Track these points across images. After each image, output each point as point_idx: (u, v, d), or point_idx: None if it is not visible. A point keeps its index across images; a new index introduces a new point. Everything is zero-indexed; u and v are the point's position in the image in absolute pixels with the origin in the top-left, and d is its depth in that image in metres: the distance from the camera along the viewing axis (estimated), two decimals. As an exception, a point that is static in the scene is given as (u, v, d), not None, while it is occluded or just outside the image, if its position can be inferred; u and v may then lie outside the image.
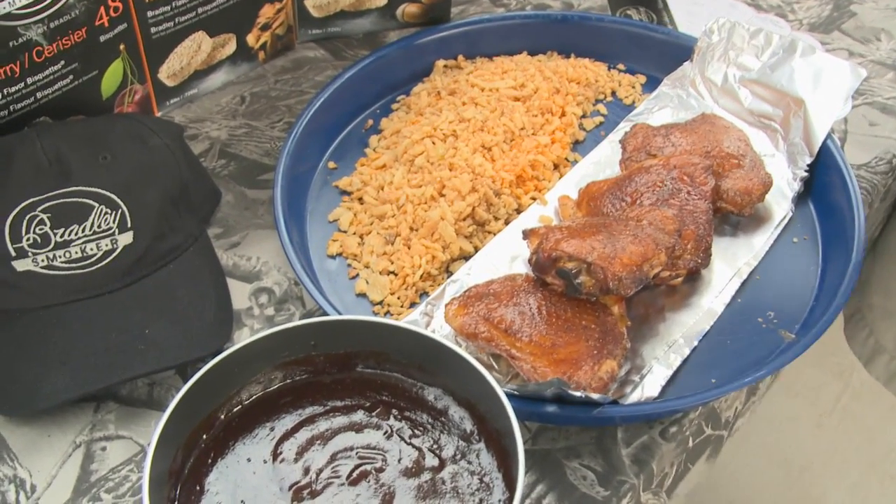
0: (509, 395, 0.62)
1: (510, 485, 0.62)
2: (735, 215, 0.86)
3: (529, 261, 0.77)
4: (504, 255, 0.83)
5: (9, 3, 0.80)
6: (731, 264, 0.84)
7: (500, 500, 0.63)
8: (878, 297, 1.09)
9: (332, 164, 0.93)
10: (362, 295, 0.81)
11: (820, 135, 0.89)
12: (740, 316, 0.81)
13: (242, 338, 0.79)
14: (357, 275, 0.83)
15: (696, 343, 0.78)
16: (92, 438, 0.74)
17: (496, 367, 0.75)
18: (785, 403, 1.73)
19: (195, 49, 0.98)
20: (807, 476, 1.64)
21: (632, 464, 0.73)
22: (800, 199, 0.89)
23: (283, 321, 0.80)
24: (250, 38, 1.02)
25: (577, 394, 0.68)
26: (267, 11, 1.01)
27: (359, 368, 0.70)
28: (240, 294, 0.83)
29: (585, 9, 1.13)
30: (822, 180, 0.89)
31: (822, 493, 1.61)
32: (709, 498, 1.59)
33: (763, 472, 1.64)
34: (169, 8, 0.92)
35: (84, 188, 0.79)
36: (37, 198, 0.79)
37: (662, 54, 1.01)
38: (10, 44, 0.82)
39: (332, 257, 0.85)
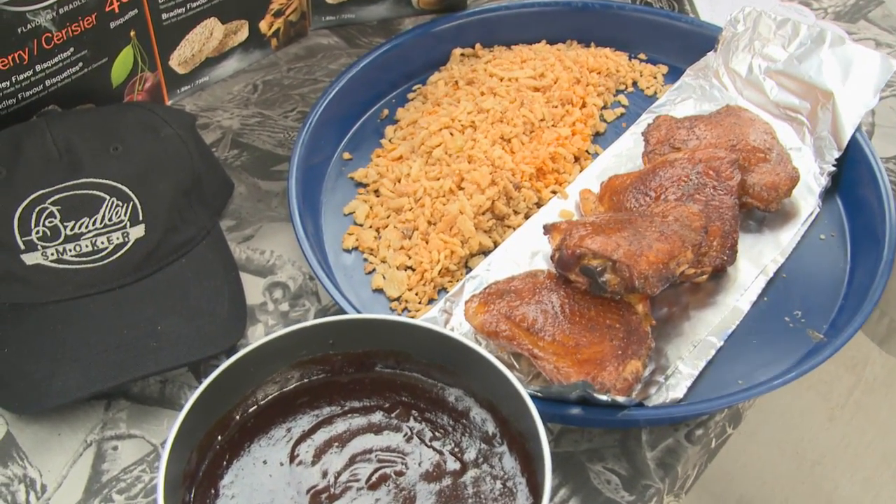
0: (532, 397, 0.61)
1: (534, 490, 0.61)
2: (761, 211, 0.85)
3: (552, 257, 0.75)
4: (524, 251, 0.82)
5: None
6: (757, 262, 0.82)
7: None
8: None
9: (346, 155, 0.92)
10: (379, 290, 0.80)
11: (849, 128, 0.87)
12: (766, 315, 0.80)
13: (256, 334, 0.79)
14: (373, 270, 0.82)
15: (721, 343, 0.77)
16: (103, 437, 0.73)
17: (517, 366, 0.74)
18: (797, 397, 1.72)
19: (207, 36, 0.96)
20: (819, 469, 1.63)
21: (657, 468, 0.72)
22: (827, 195, 0.87)
23: (298, 317, 0.79)
24: (263, 25, 1.01)
25: (603, 398, 0.66)
26: None
27: (377, 368, 0.70)
28: (253, 289, 0.82)
29: None
30: (850, 175, 0.88)
31: (834, 487, 1.61)
32: (720, 490, 1.58)
33: (775, 465, 1.63)
34: None
35: (95, 180, 0.78)
36: (46, 189, 0.78)
37: (685, 44, 1.00)
38: (19, 30, 0.81)
39: (348, 251, 0.84)
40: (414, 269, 0.81)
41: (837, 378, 1.75)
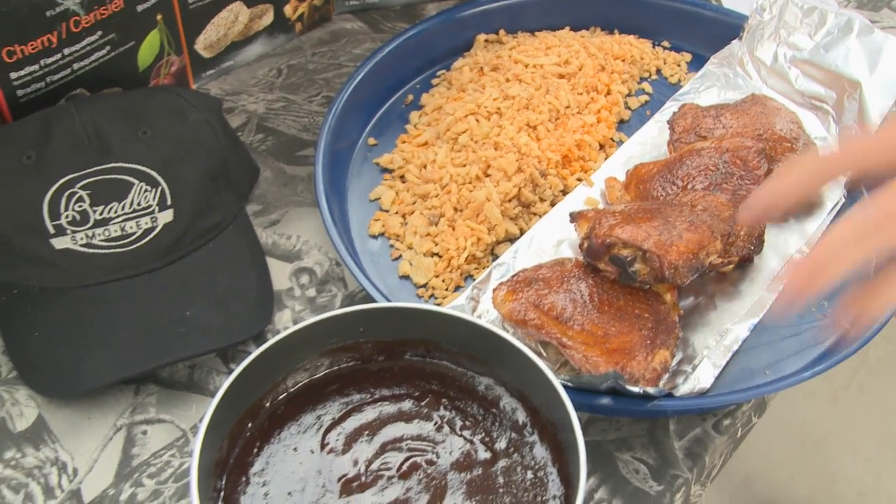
0: (562, 387, 0.60)
1: (565, 480, 0.60)
2: None
3: (581, 246, 0.74)
4: (550, 239, 0.80)
5: None
6: (783, 252, 0.80)
7: (555, 497, 0.61)
8: None
9: (371, 141, 0.91)
10: (405, 277, 0.79)
11: (876, 118, 0.86)
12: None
13: (283, 319, 0.78)
14: (400, 256, 0.81)
15: (747, 333, 0.75)
16: (133, 422, 0.72)
17: (544, 354, 0.72)
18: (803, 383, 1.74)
19: (232, 20, 0.95)
20: (823, 450, 1.63)
21: (685, 457, 0.71)
22: (852, 185, 0.85)
23: (325, 302, 0.78)
24: (287, 9, 1.00)
25: (635, 389, 0.65)
26: None
27: (407, 356, 0.69)
28: (280, 274, 0.81)
29: None
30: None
31: (838, 467, 1.61)
32: (727, 469, 1.58)
33: (780, 445, 1.63)
34: None
35: (124, 164, 0.78)
36: (76, 174, 0.77)
37: (709, 32, 0.99)
38: (48, 13, 0.80)
39: (374, 237, 0.83)
40: (440, 256, 0.80)
41: (837, 369, 1.76)
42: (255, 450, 0.64)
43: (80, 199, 0.76)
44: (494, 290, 0.74)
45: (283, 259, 0.82)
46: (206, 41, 0.95)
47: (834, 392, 1.72)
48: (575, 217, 0.76)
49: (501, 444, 0.64)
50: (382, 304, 0.71)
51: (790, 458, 1.62)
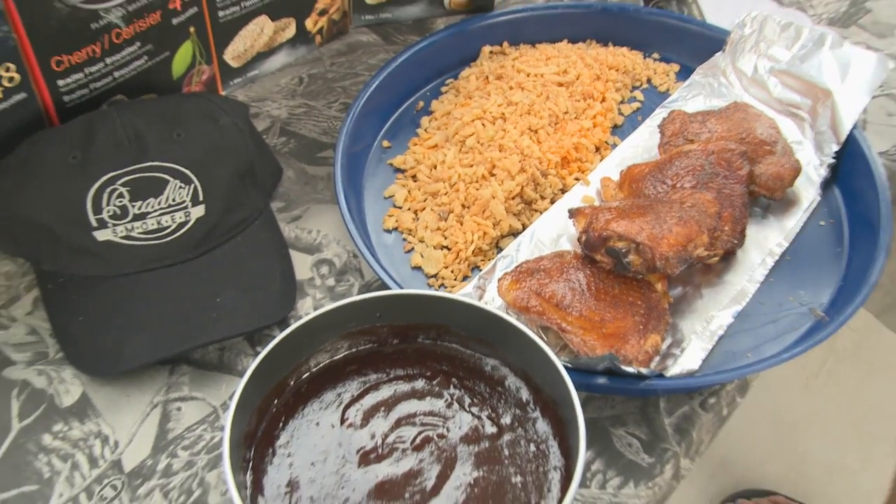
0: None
1: (565, 452, 0.59)
2: (766, 199, 0.82)
3: (579, 239, 0.73)
4: (550, 233, 0.79)
5: None
6: (763, 246, 0.80)
7: (555, 467, 0.60)
8: None
9: (386, 143, 0.90)
10: (417, 268, 0.78)
11: (847, 124, 0.85)
12: (772, 294, 0.77)
13: (305, 307, 0.77)
14: (412, 249, 0.80)
15: (731, 319, 0.74)
16: (168, 399, 0.71)
17: (545, 339, 0.71)
18: (776, 367, 1.72)
19: (258, 32, 0.94)
20: (794, 432, 1.62)
21: (674, 433, 0.70)
22: (826, 185, 0.85)
23: (344, 291, 0.77)
24: (308, 23, 0.98)
25: (629, 369, 0.64)
26: None
27: (420, 339, 0.68)
28: (302, 265, 0.80)
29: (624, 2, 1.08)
30: (847, 167, 0.85)
31: (808, 448, 1.60)
32: (706, 452, 1.58)
33: (755, 428, 1.62)
34: None
35: (160, 163, 0.76)
36: (116, 172, 0.76)
37: (695, 45, 0.98)
38: (92, 26, 0.79)
39: (388, 231, 0.82)
40: (449, 249, 0.79)
41: (811, 351, 1.74)
42: (281, 424, 0.63)
43: (121, 195, 0.76)
44: (499, 280, 0.73)
45: (304, 251, 0.81)
46: (234, 52, 0.94)
47: (805, 379, 1.71)
48: (573, 213, 0.75)
49: (506, 420, 0.63)
50: (397, 291, 0.70)
51: (764, 441, 1.61)
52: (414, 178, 0.85)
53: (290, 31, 0.97)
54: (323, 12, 0.98)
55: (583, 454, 0.55)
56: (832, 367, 1.71)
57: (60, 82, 0.81)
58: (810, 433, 1.63)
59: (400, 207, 0.83)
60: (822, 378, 1.71)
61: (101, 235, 0.75)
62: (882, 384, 1.62)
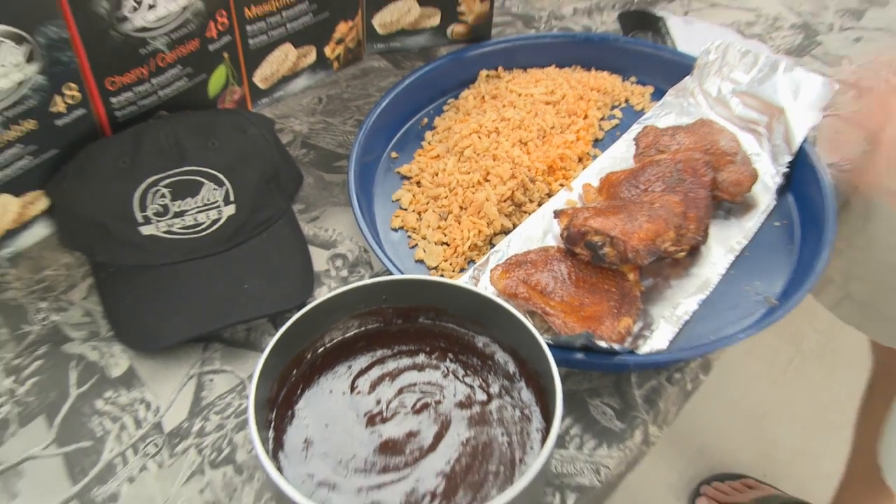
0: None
1: (546, 416, 0.61)
2: (728, 202, 0.83)
3: (561, 235, 0.74)
4: (537, 231, 0.81)
5: (142, 18, 0.78)
6: (725, 243, 0.81)
7: (537, 429, 0.61)
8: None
9: (394, 154, 0.91)
10: (420, 261, 0.79)
11: (798, 138, 0.86)
12: (732, 285, 0.78)
13: (322, 294, 0.77)
14: (416, 245, 0.81)
15: (696, 306, 0.76)
16: (202, 371, 0.73)
17: (531, 320, 0.73)
18: (748, 365, 1.71)
19: (283, 58, 0.96)
20: (764, 424, 1.63)
21: (643, 403, 0.71)
22: (781, 191, 0.86)
23: (355, 281, 0.79)
24: (327, 50, 1.00)
25: (603, 344, 0.66)
26: (341, 28, 0.99)
27: (421, 320, 0.69)
28: (319, 258, 0.81)
29: (602, 31, 1.10)
30: (799, 175, 0.86)
31: (776, 438, 1.60)
32: (685, 442, 1.58)
33: (729, 421, 1.63)
34: (264, 24, 0.90)
35: (197, 168, 0.78)
36: (159, 175, 0.77)
37: (667, 69, 0.99)
38: (141, 51, 0.81)
39: (395, 230, 0.83)
40: (448, 244, 0.80)
41: (781, 349, 1.74)
42: (299, 391, 0.64)
43: (163, 195, 0.76)
44: (492, 271, 0.74)
45: (321, 247, 0.82)
46: (262, 75, 0.95)
47: (774, 376, 1.71)
48: (557, 213, 0.77)
49: (495, 389, 0.64)
50: (401, 276, 0.71)
51: (738, 431, 1.61)
52: (418, 183, 0.86)
53: (311, 57, 0.99)
54: (340, 41, 1.00)
55: (559, 417, 0.56)
56: (799, 365, 1.72)
57: (113, 100, 0.81)
58: (779, 423, 1.63)
59: (405, 209, 0.84)
60: (789, 375, 1.71)
61: (146, 230, 0.76)
62: (843, 379, 1.62)
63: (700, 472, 1.53)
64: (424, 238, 0.81)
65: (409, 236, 0.82)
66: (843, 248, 1.03)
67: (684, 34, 1.03)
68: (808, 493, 1.42)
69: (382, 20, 1.02)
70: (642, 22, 1.05)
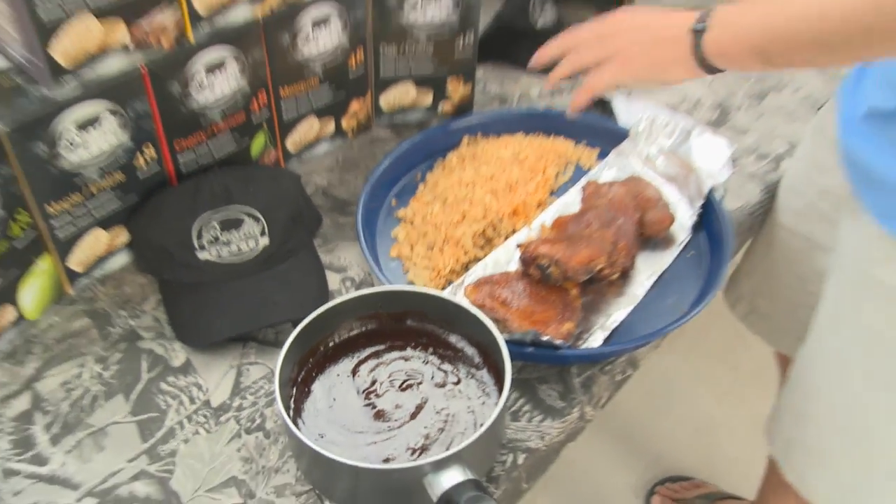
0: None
1: (501, 394, 0.66)
2: (653, 238, 0.90)
3: (520, 259, 0.81)
4: (503, 260, 0.86)
5: (204, 97, 0.83)
6: (650, 268, 0.87)
7: (494, 403, 0.67)
8: (746, 268, 1.12)
9: (394, 202, 0.95)
10: (411, 282, 0.84)
11: (706, 188, 0.92)
12: (654, 300, 0.84)
13: None
14: (408, 270, 0.86)
15: (624, 316, 0.82)
16: (241, 363, 0.78)
17: (494, 325, 0.80)
18: (696, 385, 1.74)
19: (309, 128, 0.99)
20: (710, 435, 1.65)
21: (580, 388, 0.77)
22: (694, 229, 0.91)
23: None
24: (344, 122, 1.03)
25: (545, 338, 0.73)
26: (355, 105, 1.02)
27: (408, 322, 0.75)
28: (333, 280, 0.85)
29: (561, 107, 1.12)
30: (708, 217, 0.91)
31: (719, 446, 1.61)
32: (642, 450, 1.61)
33: (680, 432, 1.65)
34: (295, 101, 0.94)
35: (240, 207, 0.83)
36: (212, 212, 0.82)
37: (610, 136, 1.02)
38: (201, 121, 0.85)
39: (392, 259, 0.88)
40: (433, 269, 0.85)
41: (723, 374, 1.74)
42: (314, 374, 0.71)
43: (214, 229, 0.81)
44: (465, 288, 0.80)
45: (335, 271, 0.87)
46: (292, 141, 0.99)
47: (718, 395, 1.69)
48: (518, 246, 0.82)
49: (463, 374, 0.71)
50: (392, 287, 0.76)
51: (688, 441, 1.62)
52: (412, 223, 0.91)
53: (331, 127, 1.02)
54: (354, 115, 1.04)
55: (507, 391, 0.63)
56: (738, 385, 1.71)
57: (179, 157, 0.86)
58: (722, 434, 1.64)
59: (401, 243, 0.89)
60: (730, 393, 1.71)
61: (202, 256, 0.81)
62: (775, 396, 1.62)
63: (656, 475, 1.54)
64: (415, 264, 0.86)
65: (403, 263, 0.87)
66: (750, 270, 1.09)
67: (625, 109, 1.08)
68: (745, 492, 1.43)
69: (387, 100, 1.05)
70: (593, 101, 1.11)
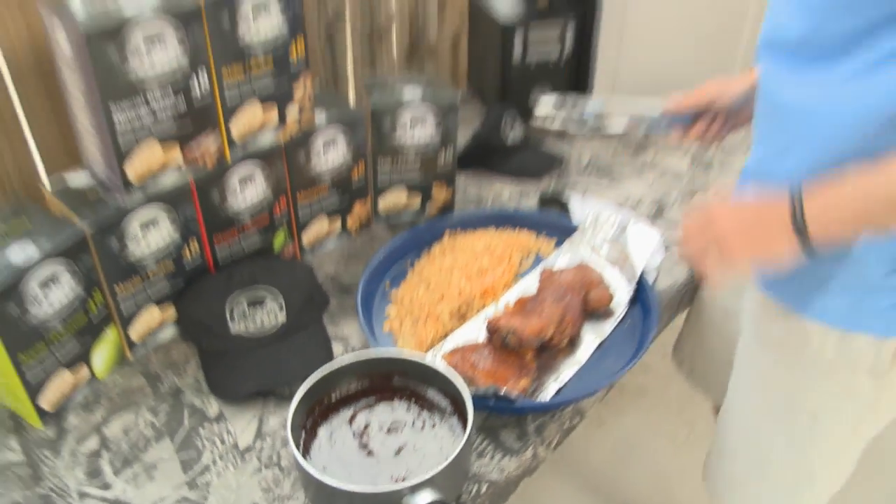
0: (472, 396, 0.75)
1: (465, 432, 0.73)
2: (596, 311, 0.98)
3: (486, 330, 0.91)
4: (474, 331, 0.95)
5: (238, 204, 0.92)
6: (594, 335, 0.96)
7: (461, 442, 0.73)
8: (685, 336, 1.19)
9: (388, 285, 1.02)
10: (400, 349, 0.93)
11: (638, 270, 1.02)
12: (597, 362, 0.92)
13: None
14: (398, 340, 0.93)
15: (572, 374, 0.90)
16: (262, 414, 0.85)
17: (465, 382, 0.88)
18: (657, 441, 1.77)
19: (320, 226, 1.09)
20: (669, 484, 1.67)
21: (534, 432, 0.84)
22: (631, 303, 1.00)
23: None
24: (348, 221, 1.12)
25: (504, 392, 0.82)
26: (357, 208, 1.12)
27: (395, 379, 0.82)
28: (337, 348, 0.93)
29: (527, 207, 1.23)
30: (641, 294, 1.01)
31: (678, 494, 1.64)
32: (611, 499, 1.64)
33: (643, 482, 1.67)
34: (309, 206, 1.04)
35: (263, 287, 0.90)
36: (241, 293, 0.89)
37: (563, 229, 1.12)
38: (234, 221, 0.94)
39: (385, 332, 0.95)
40: (418, 339, 0.92)
41: (679, 430, 1.77)
42: (319, 422, 0.79)
43: (243, 306, 0.89)
44: (443, 354, 0.89)
45: (339, 341, 0.94)
46: (307, 237, 1.07)
47: (675, 449, 1.73)
48: (486, 320, 0.92)
49: (437, 420, 0.79)
50: (382, 352, 0.81)
51: (649, 489, 1.64)
52: (402, 302, 0.98)
53: (338, 226, 1.11)
54: (357, 216, 1.13)
55: (469, 431, 0.72)
56: (693, 440, 1.74)
57: (217, 250, 0.95)
58: (680, 483, 1.66)
59: (392, 319, 0.97)
60: (686, 446, 1.72)
61: (233, 328, 0.88)
62: None
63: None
64: (404, 336, 0.94)
65: (394, 335, 0.94)
66: (688, 336, 1.18)
67: (579, 206, 1.19)
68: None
69: (383, 203, 1.15)
70: (553, 202, 1.22)
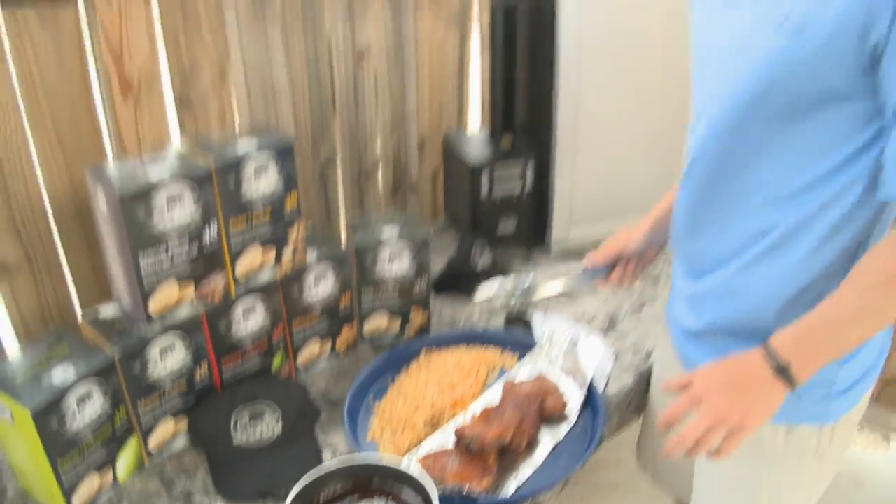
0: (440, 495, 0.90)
1: None
2: (551, 417, 1.11)
3: (455, 436, 1.05)
4: (446, 437, 1.08)
5: (241, 331, 1.08)
6: (550, 438, 1.09)
7: None
8: (642, 438, 1.28)
9: (371, 398, 1.15)
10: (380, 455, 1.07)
11: (589, 377, 1.17)
12: (552, 461, 1.04)
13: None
14: (379, 447, 1.06)
15: (530, 473, 1.02)
16: None
17: (435, 482, 1.00)
18: None
19: (314, 349, 1.23)
20: None
21: None
22: (583, 408, 1.12)
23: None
24: (337, 344, 1.26)
25: (467, 490, 0.96)
26: (345, 332, 1.26)
27: (374, 481, 0.93)
28: (327, 454, 1.05)
29: (494, 326, 1.36)
30: (592, 399, 1.14)
31: None
32: None
33: None
34: (303, 331, 1.19)
35: (263, 401, 1.04)
36: (243, 406, 1.02)
37: (527, 346, 1.25)
38: (237, 347, 1.09)
39: (368, 442, 1.07)
40: (396, 446, 1.05)
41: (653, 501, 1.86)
42: None
43: (245, 418, 1.02)
44: (417, 459, 1.02)
45: (328, 448, 1.06)
46: (301, 359, 1.21)
47: None
48: (455, 429, 1.06)
49: None
50: (364, 458, 0.95)
51: None
52: (382, 414, 1.11)
53: (328, 348, 1.25)
54: (344, 339, 1.27)
55: None
56: None
57: (223, 371, 1.08)
58: None
59: (374, 429, 1.09)
60: None
61: (236, 439, 1.01)
62: None
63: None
64: (384, 443, 1.07)
65: (377, 444, 1.07)
66: (647, 439, 1.29)
67: (540, 323, 1.31)
68: None
69: (368, 327, 1.28)
70: (517, 320, 1.38)
